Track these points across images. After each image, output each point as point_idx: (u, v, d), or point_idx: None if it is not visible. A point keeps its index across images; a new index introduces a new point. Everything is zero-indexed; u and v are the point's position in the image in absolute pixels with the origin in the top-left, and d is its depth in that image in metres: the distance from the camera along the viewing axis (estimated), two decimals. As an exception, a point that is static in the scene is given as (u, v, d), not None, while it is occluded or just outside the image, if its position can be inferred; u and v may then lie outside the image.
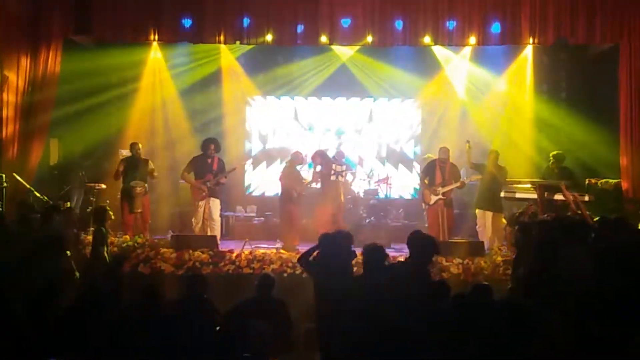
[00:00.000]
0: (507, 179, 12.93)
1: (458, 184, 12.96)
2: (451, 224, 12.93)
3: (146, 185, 12.89)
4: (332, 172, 12.95)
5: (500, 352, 5.41)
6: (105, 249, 10.09)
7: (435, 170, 13.10)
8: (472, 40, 13.05)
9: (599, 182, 12.61)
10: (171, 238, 12.31)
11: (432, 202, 12.92)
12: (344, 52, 15.40)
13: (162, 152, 14.92)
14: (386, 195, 15.25)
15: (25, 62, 12.94)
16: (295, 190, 12.99)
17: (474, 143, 13.45)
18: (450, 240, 12.38)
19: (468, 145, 13.11)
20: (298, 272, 10.92)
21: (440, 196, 12.85)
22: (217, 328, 6.92)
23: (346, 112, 16.51)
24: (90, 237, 10.86)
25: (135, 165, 12.92)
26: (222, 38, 13.25)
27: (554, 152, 12.92)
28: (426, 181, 13.17)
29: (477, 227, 13.12)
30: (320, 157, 13.30)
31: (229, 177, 13.47)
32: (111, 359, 5.87)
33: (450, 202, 13.03)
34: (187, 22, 13.14)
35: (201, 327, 6.67)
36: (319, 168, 13.21)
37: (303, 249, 11.45)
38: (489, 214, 12.86)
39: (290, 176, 13.15)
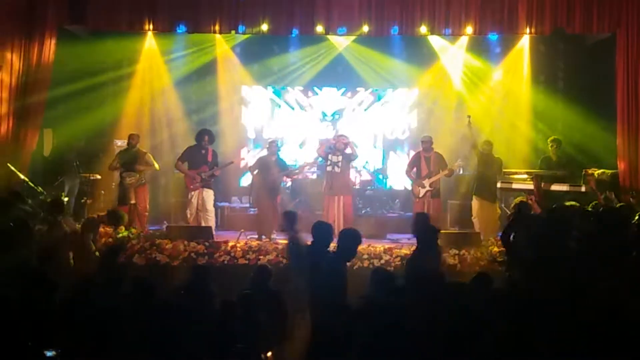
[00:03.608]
0: (502, 170, 12.91)
1: (446, 172, 12.91)
2: (437, 214, 12.87)
3: (137, 175, 12.80)
4: (328, 162, 12.88)
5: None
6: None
7: (421, 162, 13.06)
8: (469, 29, 12.99)
9: (596, 172, 12.57)
10: (166, 229, 12.29)
11: (420, 194, 12.89)
12: (340, 42, 15.32)
13: (156, 143, 14.87)
14: (382, 182, 15.31)
15: (19, 51, 12.85)
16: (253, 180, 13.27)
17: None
18: (446, 231, 12.35)
19: (468, 120, 13.05)
20: (294, 263, 10.91)
21: (427, 188, 12.82)
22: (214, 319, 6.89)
23: (342, 101, 16.49)
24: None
25: (129, 157, 12.88)
26: (217, 28, 13.19)
27: (552, 137, 12.97)
28: (412, 174, 13.14)
29: (472, 217, 13.08)
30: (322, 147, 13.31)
31: (224, 169, 13.46)
32: (107, 350, 5.83)
33: (438, 192, 13.00)
34: (182, 12, 13.08)
35: (199, 318, 6.64)
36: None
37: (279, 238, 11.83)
38: (484, 203, 12.84)
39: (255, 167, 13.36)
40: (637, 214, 9.52)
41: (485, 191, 12.83)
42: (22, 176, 12.36)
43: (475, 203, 12.99)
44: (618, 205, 10.59)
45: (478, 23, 12.89)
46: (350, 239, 7.60)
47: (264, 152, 13.91)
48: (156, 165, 13.15)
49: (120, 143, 13.99)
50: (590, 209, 9.73)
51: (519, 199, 10.58)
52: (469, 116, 13.18)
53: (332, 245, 7.77)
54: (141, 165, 12.87)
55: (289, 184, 14.69)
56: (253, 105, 16.48)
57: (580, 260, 7.66)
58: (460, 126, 14.42)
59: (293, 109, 16.47)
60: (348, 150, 13.04)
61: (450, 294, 6.47)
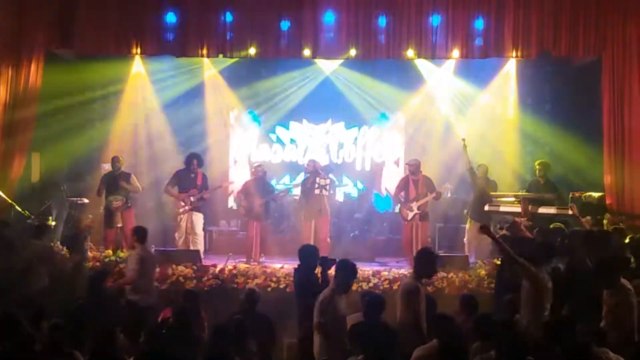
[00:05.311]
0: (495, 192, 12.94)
1: (434, 195, 12.93)
2: (425, 237, 12.90)
3: (124, 199, 12.77)
4: (316, 185, 12.89)
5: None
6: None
7: (409, 185, 13.08)
8: (456, 53, 13.02)
9: (583, 195, 12.60)
10: (154, 252, 12.22)
11: (409, 217, 12.90)
12: (328, 66, 15.34)
13: (145, 166, 14.83)
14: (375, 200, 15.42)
15: (6, 75, 12.82)
16: (241, 204, 13.32)
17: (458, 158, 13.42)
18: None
19: (464, 144, 13.07)
20: (282, 286, 10.89)
21: (416, 211, 12.84)
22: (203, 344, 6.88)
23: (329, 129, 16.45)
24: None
25: (115, 180, 12.83)
26: (205, 51, 13.19)
27: (539, 161, 12.99)
28: (401, 197, 13.14)
29: (464, 239, 13.08)
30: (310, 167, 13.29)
31: (213, 192, 13.48)
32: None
33: (426, 215, 13.05)
34: (169, 35, 13.09)
35: (188, 343, 6.62)
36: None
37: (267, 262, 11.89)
38: (478, 226, 12.84)
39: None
40: (628, 237, 9.57)
41: (480, 214, 12.81)
42: (9, 200, 12.32)
43: (469, 225, 13.00)
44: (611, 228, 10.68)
45: (465, 46, 12.93)
46: (348, 272, 7.65)
47: (251, 176, 13.87)
48: (138, 185, 13.08)
49: (108, 167, 13.94)
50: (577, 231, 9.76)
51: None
52: (464, 139, 13.19)
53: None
54: (124, 185, 12.81)
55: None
56: (240, 128, 16.44)
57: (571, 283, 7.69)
58: (448, 149, 14.46)
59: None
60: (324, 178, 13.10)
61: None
